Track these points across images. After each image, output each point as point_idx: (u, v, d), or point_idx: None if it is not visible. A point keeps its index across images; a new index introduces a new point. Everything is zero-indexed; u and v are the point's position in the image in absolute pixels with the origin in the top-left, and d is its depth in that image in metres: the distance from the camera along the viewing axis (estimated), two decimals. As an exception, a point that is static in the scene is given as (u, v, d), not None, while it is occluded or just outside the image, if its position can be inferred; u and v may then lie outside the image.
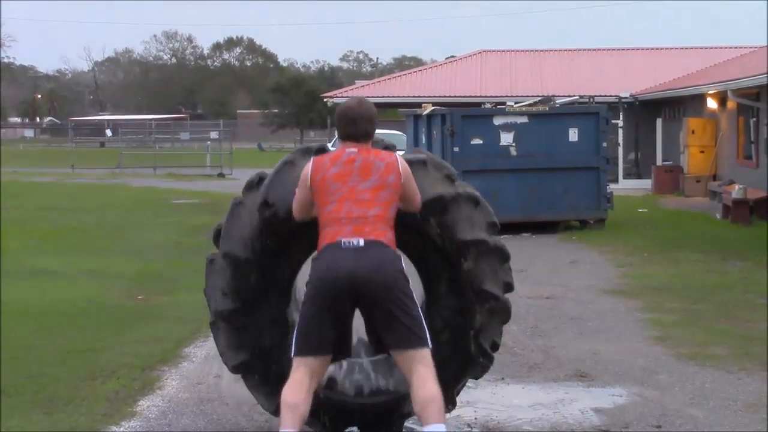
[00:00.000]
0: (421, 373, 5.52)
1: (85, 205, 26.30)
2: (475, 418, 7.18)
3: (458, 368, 6.32)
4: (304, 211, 5.87)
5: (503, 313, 6.40)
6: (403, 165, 5.80)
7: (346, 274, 5.47)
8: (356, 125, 5.81)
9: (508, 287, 6.48)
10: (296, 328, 5.67)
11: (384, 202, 5.69)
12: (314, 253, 5.82)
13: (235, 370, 6.41)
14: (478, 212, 6.43)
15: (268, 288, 6.23)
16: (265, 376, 6.31)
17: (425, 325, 5.61)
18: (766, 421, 7.06)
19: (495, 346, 6.44)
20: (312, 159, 5.89)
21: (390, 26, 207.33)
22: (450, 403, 6.30)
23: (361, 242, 5.55)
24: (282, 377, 5.82)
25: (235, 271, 6.22)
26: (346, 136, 5.84)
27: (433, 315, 6.23)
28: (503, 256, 6.46)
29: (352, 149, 5.79)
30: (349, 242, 5.55)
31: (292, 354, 5.66)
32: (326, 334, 5.57)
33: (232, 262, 6.23)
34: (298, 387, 5.55)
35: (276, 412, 5.98)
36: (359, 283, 5.47)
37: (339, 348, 5.67)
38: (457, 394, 6.50)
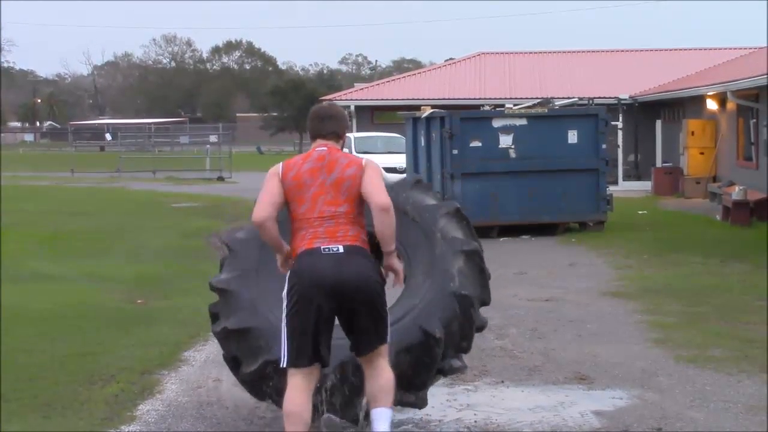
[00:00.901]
0: (379, 363, 5.90)
1: (84, 209, 26.29)
2: (475, 421, 7.17)
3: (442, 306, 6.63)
4: (270, 208, 5.81)
5: (475, 255, 6.85)
6: (367, 161, 5.91)
7: (330, 283, 5.64)
8: (324, 124, 6.04)
9: (474, 237, 7.14)
10: (285, 338, 5.73)
11: (348, 198, 5.81)
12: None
13: None
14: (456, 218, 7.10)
15: None
16: None
17: (388, 323, 5.92)
18: (767, 423, 7.05)
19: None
20: (282, 162, 6.00)
21: (388, 29, 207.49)
22: (461, 352, 6.85)
23: (340, 249, 5.71)
24: None
25: None
26: (317, 134, 6.04)
27: (415, 271, 6.69)
28: (463, 218, 7.15)
29: (322, 147, 5.97)
30: (329, 249, 5.70)
31: (285, 364, 5.76)
32: (318, 342, 5.71)
33: None
34: (298, 395, 5.72)
35: None
36: (343, 292, 5.66)
37: (328, 348, 5.82)
38: (448, 339, 6.67)
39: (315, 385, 5.87)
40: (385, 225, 5.74)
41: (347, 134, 6.39)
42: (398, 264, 5.95)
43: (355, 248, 5.74)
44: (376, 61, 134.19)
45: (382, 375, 5.90)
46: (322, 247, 5.69)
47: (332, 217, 5.76)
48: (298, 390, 5.72)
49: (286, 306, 5.72)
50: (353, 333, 5.85)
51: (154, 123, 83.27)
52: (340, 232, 5.74)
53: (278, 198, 5.84)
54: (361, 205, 5.86)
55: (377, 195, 5.75)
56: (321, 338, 5.72)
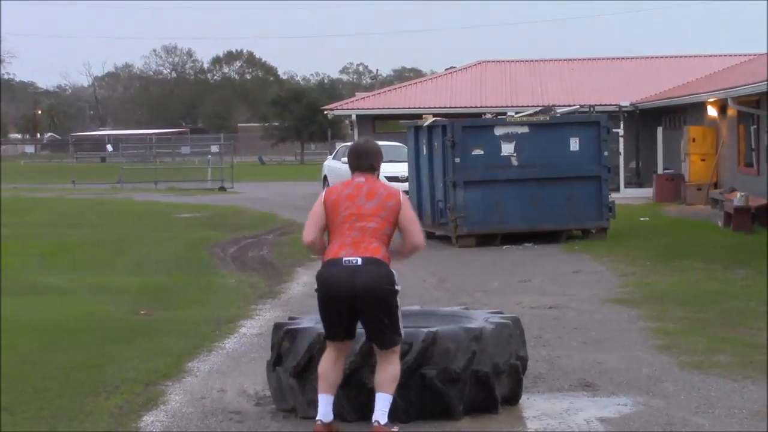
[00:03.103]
0: (390, 358, 6.91)
1: (86, 221, 26.30)
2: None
3: None
4: (316, 230, 7.00)
5: None
6: (403, 197, 7.03)
7: (345, 291, 6.77)
8: (361, 159, 7.10)
9: None
10: (321, 321, 7.05)
11: (382, 220, 6.90)
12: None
13: None
14: None
15: None
16: None
17: (401, 326, 6.91)
18: (772, 429, 7.05)
19: None
20: (326, 188, 7.30)
21: (389, 38, 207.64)
22: None
23: (359, 261, 6.78)
24: None
25: None
26: (356, 168, 7.11)
27: None
28: None
29: (360, 178, 7.04)
30: (349, 261, 6.79)
31: (324, 336, 7.05)
32: (341, 327, 6.92)
33: None
34: (327, 361, 6.98)
35: None
36: (356, 297, 6.77)
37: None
38: None
39: (345, 355, 7.03)
40: (410, 256, 7.22)
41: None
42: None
43: (373, 260, 6.80)
44: (377, 70, 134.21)
45: (390, 367, 6.88)
46: (344, 259, 6.80)
47: (360, 230, 6.85)
48: (330, 358, 6.98)
49: (318, 300, 6.96)
50: (368, 331, 6.93)
51: (156, 134, 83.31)
52: (363, 244, 6.83)
53: (322, 221, 7.00)
54: (391, 227, 6.95)
55: (414, 235, 7.02)
56: (344, 326, 6.92)
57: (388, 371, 6.89)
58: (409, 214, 7.00)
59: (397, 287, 6.86)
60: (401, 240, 7.03)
